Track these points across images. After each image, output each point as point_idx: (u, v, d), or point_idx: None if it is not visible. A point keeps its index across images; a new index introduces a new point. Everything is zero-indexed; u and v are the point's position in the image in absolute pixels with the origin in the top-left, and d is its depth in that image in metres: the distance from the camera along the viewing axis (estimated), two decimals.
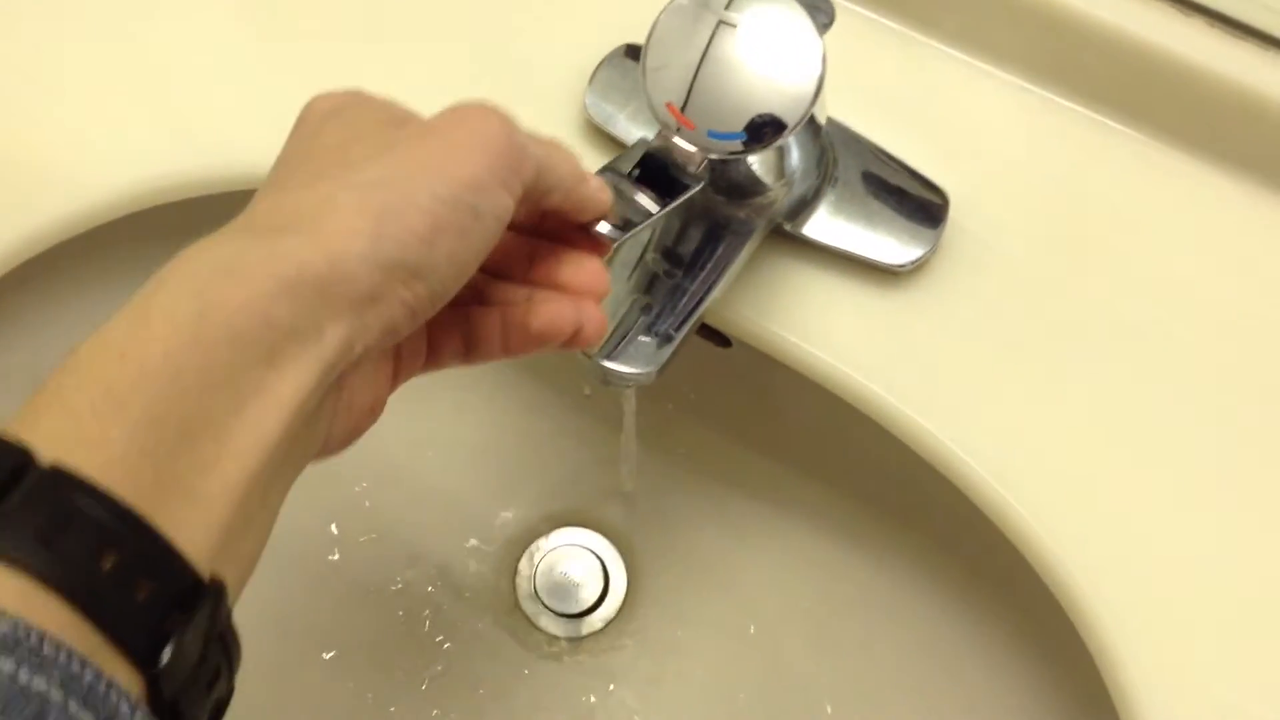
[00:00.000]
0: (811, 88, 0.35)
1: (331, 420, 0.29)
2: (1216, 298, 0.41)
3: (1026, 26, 0.43)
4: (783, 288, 0.42)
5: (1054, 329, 0.41)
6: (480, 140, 0.29)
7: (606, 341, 0.38)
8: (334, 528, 0.50)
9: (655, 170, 0.35)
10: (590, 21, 0.46)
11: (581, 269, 0.33)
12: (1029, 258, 0.42)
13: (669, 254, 0.40)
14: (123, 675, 0.23)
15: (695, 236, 0.40)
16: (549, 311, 0.32)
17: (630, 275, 0.40)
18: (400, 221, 0.27)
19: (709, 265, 0.39)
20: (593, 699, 0.48)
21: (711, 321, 0.42)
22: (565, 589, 0.50)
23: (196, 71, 0.46)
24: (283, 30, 0.47)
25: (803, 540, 0.49)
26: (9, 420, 0.24)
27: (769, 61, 0.35)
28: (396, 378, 0.32)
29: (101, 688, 0.22)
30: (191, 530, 0.24)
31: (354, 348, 0.27)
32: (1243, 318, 0.41)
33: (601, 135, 0.44)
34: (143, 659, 0.23)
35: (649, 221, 0.34)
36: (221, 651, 0.25)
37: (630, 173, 0.35)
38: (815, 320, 0.42)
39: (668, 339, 0.38)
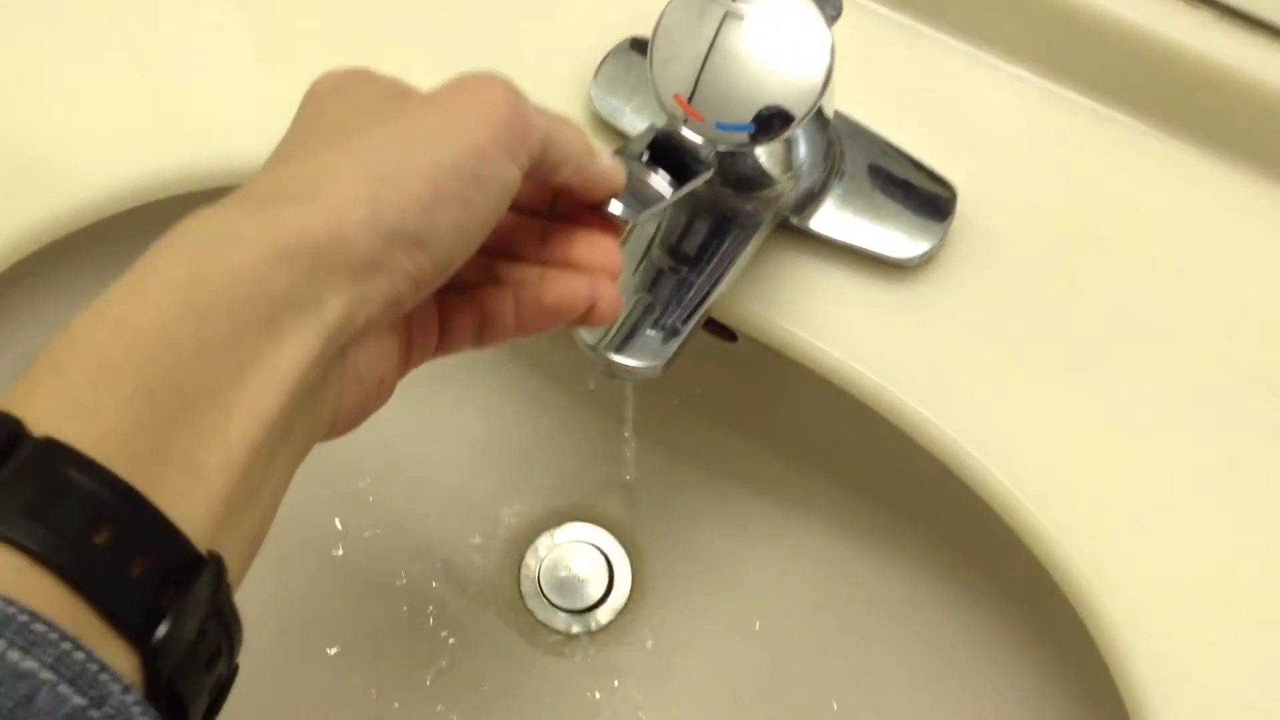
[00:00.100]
0: (820, 79, 0.35)
1: (338, 396, 0.29)
2: (1225, 292, 0.41)
3: (1034, 19, 0.43)
4: (789, 282, 0.42)
5: (1062, 323, 0.41)
6: (484, 109, 0.29)
7: (613, 335, 0.38)
8: (338, 522, 0.50)
9: (666, 154, 0.35)
10: (595, 14, 0.45)
11: (595, 247, 0.32)
12: (1037, 252, 0.42)
13: (674, 250, 0.40)
14: (118, 653, 0.22)
15: (702, 230, 0.39)
16: (563, 286, 0.32)
17: (635, 269, 0.40)
18: (401, 189, 0.27)
19: (715, 259, 0.39)
20: (598, 695, 0.48)
21: (717, 316, 0.42)
22: (570, 584, 0.50)
23: (195, 64, 0.46)
24: (283, 22, 0.46)
25: (809, 536, 0.49)
26: (2, 393, 0.24)
27: (777, 53, 0.35)
28: (409, 360, 0.32)
29: (94, 668, 0.21)
30: (190, 503, 0.23)
31: (356, 318, 0.27)
32: (1252, 312, 0.41)
33: (607, 128, 0.44)
34: (138, 636, 0.22)
35: (664, 203, 0.34)
36: (221, 629, 0.24)
37: (640, 156, 0.35)
38: (822, 314, 0.42)
39: (674, 332, 0.38)
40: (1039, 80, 0.44)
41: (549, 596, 0.49)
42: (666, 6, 0.36)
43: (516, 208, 0.33)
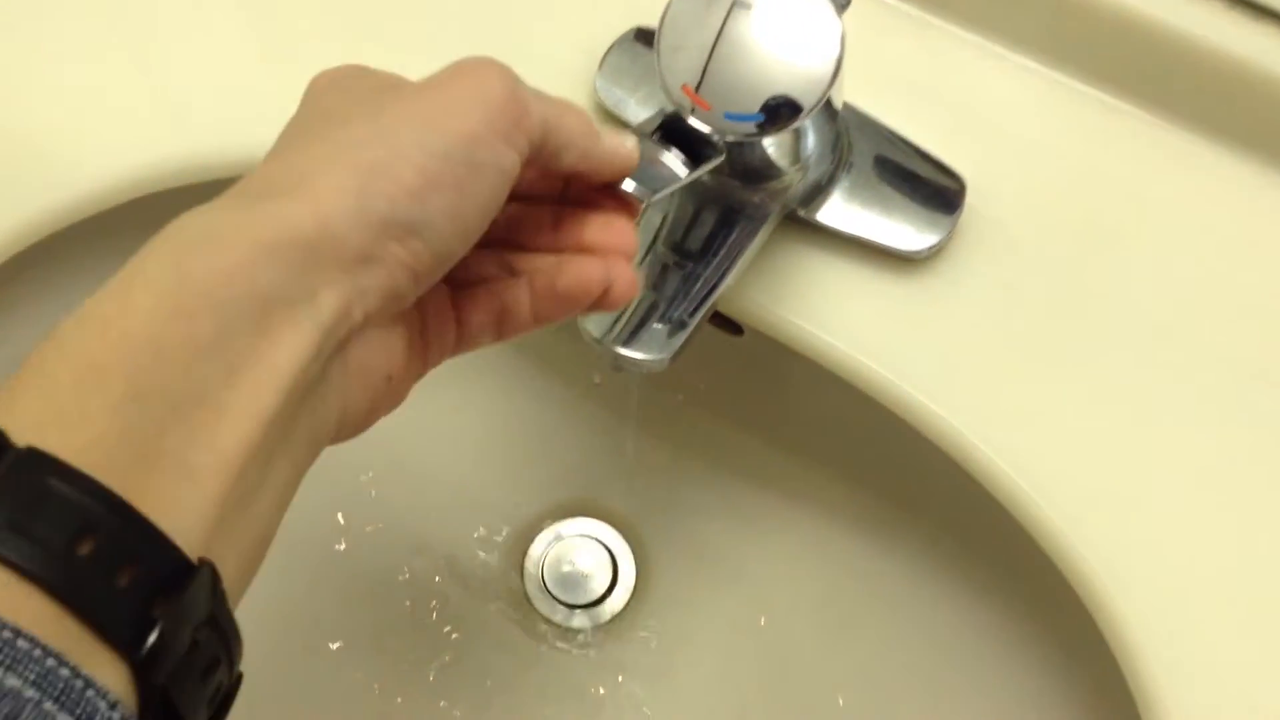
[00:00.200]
0: (830, 69, 0.34)
1: (343, 396, 0.28)
2: (1235, 284, 0.41)
3: (1043, 10, 0.42)
4: (796, 274, 0.42)
5: (1071, 316, 0.41)
6: (477, 93, 0.28)
7: (620, 328, 0.37)
8: (340, 517, 0.49)
9: (678, 136, 0.34)
10: (599, 4, 0.45)
11: (608, 228, 0.32)
12: (1046, 244, 0.42)
13: (680, 243, 0.39)
14: (107, 665, 0.22)
15: (709, 221, 0.39)
16: (576, 270, 0.31)
17: (640, 262, 0.39)
18: (389, 176, 0.26)
19: (722, 251, 0.39)
20: (601, 690, 0.48)
21: (723, 309, 0.42)
22: (574, 580, 0.49)
23: (195, 56, 0.45)
24: (283, 15, 0.46)
25: (814, 530, 0.48)
26: None
27: (786, 42, 0.34)
28: (427, 359, 0.31)
29: (79, 685, 0.21)
30: (182, 508, 0.23)
31: (353, 313, 0.26)
32: (1262, 304, 0.41)
33: (612, 120, 0.43)
34: (127, 647, 0.22)
35: (680, 183, 0.33)
36: (217, 637, 0.24)
37: (651, 138, 0.34)
38: (829, 307, 0.41)
39: (681, 325, 0.37)
40: (1047, 71, 0.44)
41: (553, 591, 0.49)
42: None
43: (527, 197, 0.33)
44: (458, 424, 0.50)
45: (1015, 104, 0.43)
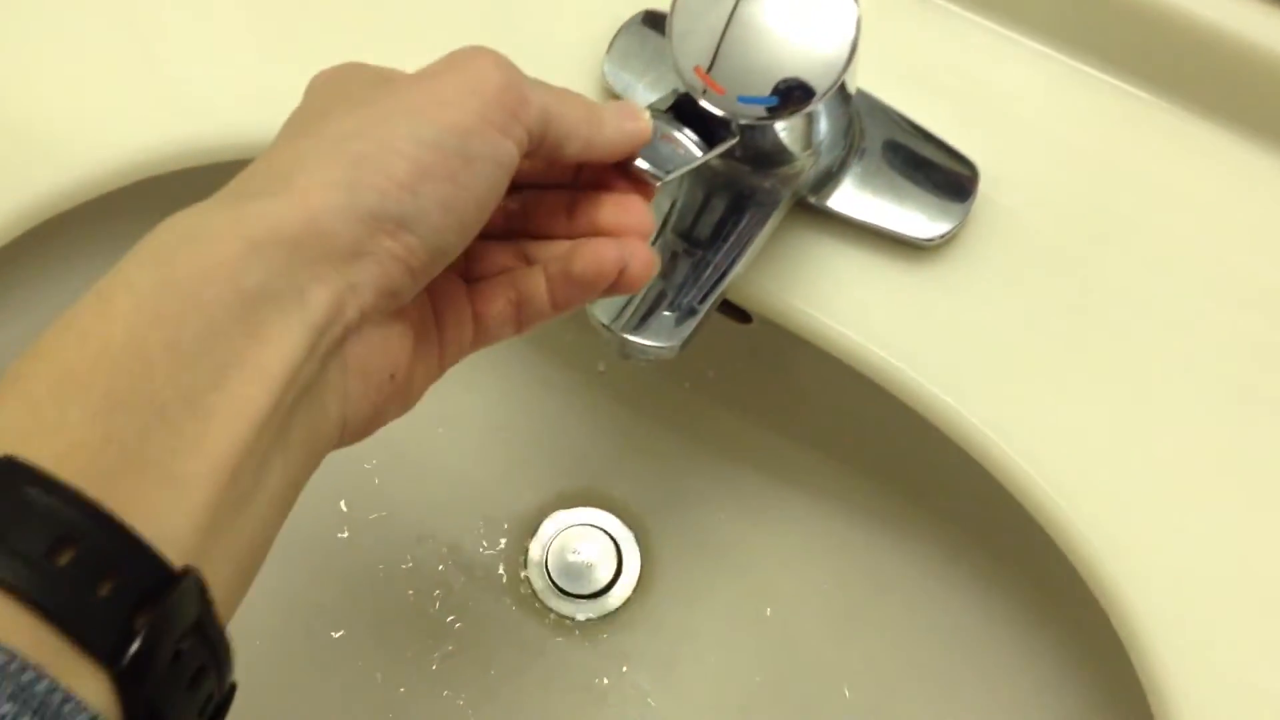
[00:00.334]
0: (844, 53, 0.34)
1: (343, 397, 0.27)
2: (1251, 275, 0.41)
3: None
4: (806, 262, 0.41)
5: (1084, 305, 0.40)
6: (470, 83, 0.27)
7: (629, 314, 0.37)
8: (343, 504, 0.49)
9: (690, 117, 0.34)
10: None
11: (623, 208, 0.31)
12: (1059, 232, 0.41)
13: (690, 229, 0.39)
14: (89, 678, 0.21)
15: (719, 207, 0.39)
16: (590, 253, 0.30)
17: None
18: (379, 169, 0.26)
19: (732, 237, 0.38)
20: (605, 680, 0.48)
21: (732, 296, 0.41)
22: (578, 569, 0.49)
23: (195, 40, 0.45)
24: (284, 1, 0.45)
25: (821, 521, 0.48)
26: None
27: (800, 24, 0.34)
28: (444, 357, 0.31)
29: (57, 699, 0.20)
30: (169, 515, 0.22)
31: (346, 310, 0.26)
32: (1277, 296, 0.40)
33: None
34: (109, 658, 0.21)
35: (695, 163, 0.33)
36: (204, 646, 0.23)
37: (664, 118, 0.34)
38: (839, 295, 0.41)
39: (691, 312, 0.37)
40: (1061, 57, 0.43)
41: (557, 581, 0.49)
42: None
43: (540, 185, 0.32)
44: (462, 412, 0.50)
45: (1029, 91, 0.43)
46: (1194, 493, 0.38)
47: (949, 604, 0.46)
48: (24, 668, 0.20)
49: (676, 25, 0.35)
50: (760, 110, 0.34)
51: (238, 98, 0.43)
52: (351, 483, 0.49)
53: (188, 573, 0.22)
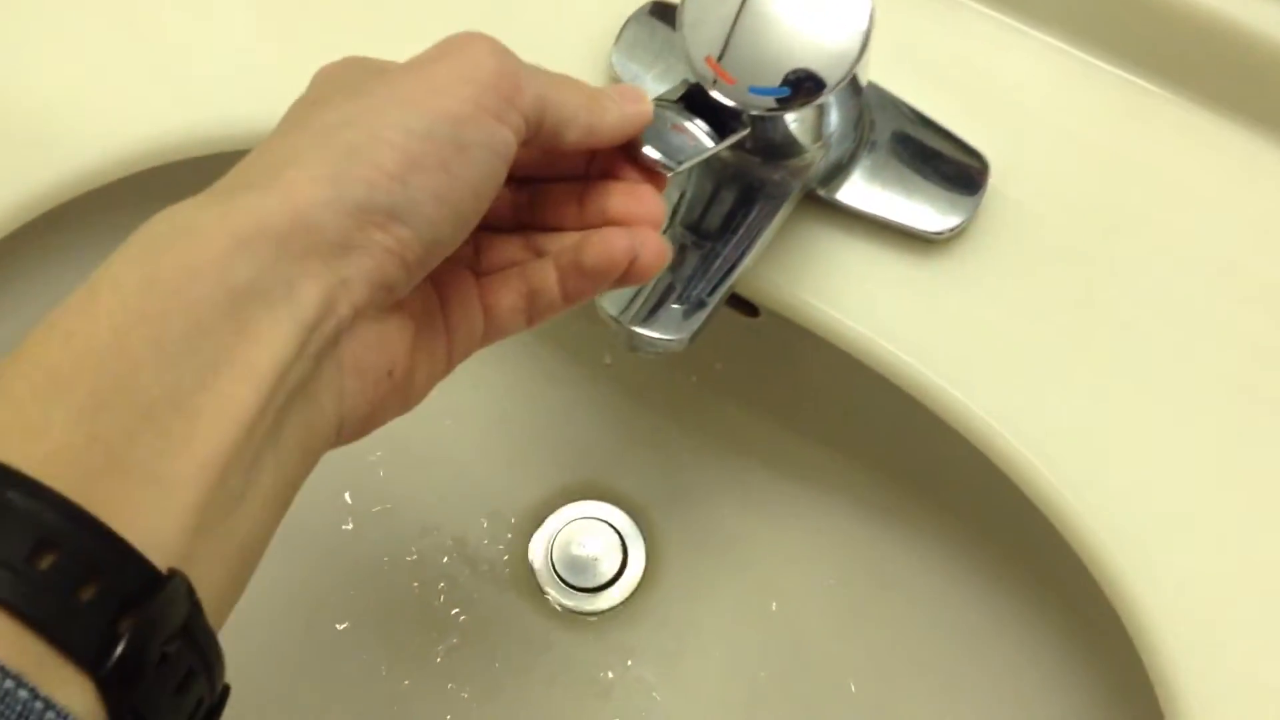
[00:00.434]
0: (857, 44, 0.34)
1: (339, 396, 0.27)
2: (1262, 270, 0.40)
3: None
4: (814, 255, 0.41)
5: (1094, 300, 0.40)
6: (464, 70, 0.27)
7: (638, 306, 0.37)
8: (347, 496, 0.49)
9: (701, 108, 0.34)
10: None
11: (633, 196, 0.31)
12: (1070, 227, 0.41)
13: (698, 222, 0.39)
14: (71, 685, 0.21)
15: (728, 199, 0.38)
16: (600, 244, 0.30)
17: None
18: (367, 160, 0.25)
19: (741, 230, 0.38)
20: (610, 674, 0.48)
21: (739, 289, 0.41)
22: (583, 563, 0.49)
23: (196, 29, 0.45)
24: None
25: (827, 516, 0.48)
26: None
27: (813, 15, 0.34)
28: (453, 352, 0.30)
29: (39, 707, 0.20)
30: (155, 517, 0.22)
31: (338, 307, 0.25)
32: None
33: None
34: (91, 664, 0.21)
35: (706, 154, 0.33)
36: (191, 650, 0.23)
37: (675, 107, 0.34)
38: (848, 289, 0.41)
39: (700, 305, 0.37)
40: (1072, 50, 0.43)
41: (562, 574, 0.49)
42: None
43: (550, 176, 0.32)
44: (467, 404, 0.50)
45: (1040, 84, 0.43)
46: (1202, 487, 0.38)
47: (954, 599, 0.45)
48: (5, 675, 0.20)
49: (688, 15, 0.35)
50: (771, 101, 0.34)
51: (240, 87, 0.43)
52: (356, 475, 0.49)
53: (173, 575, 0.22)
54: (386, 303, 0.27)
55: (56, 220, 0.43)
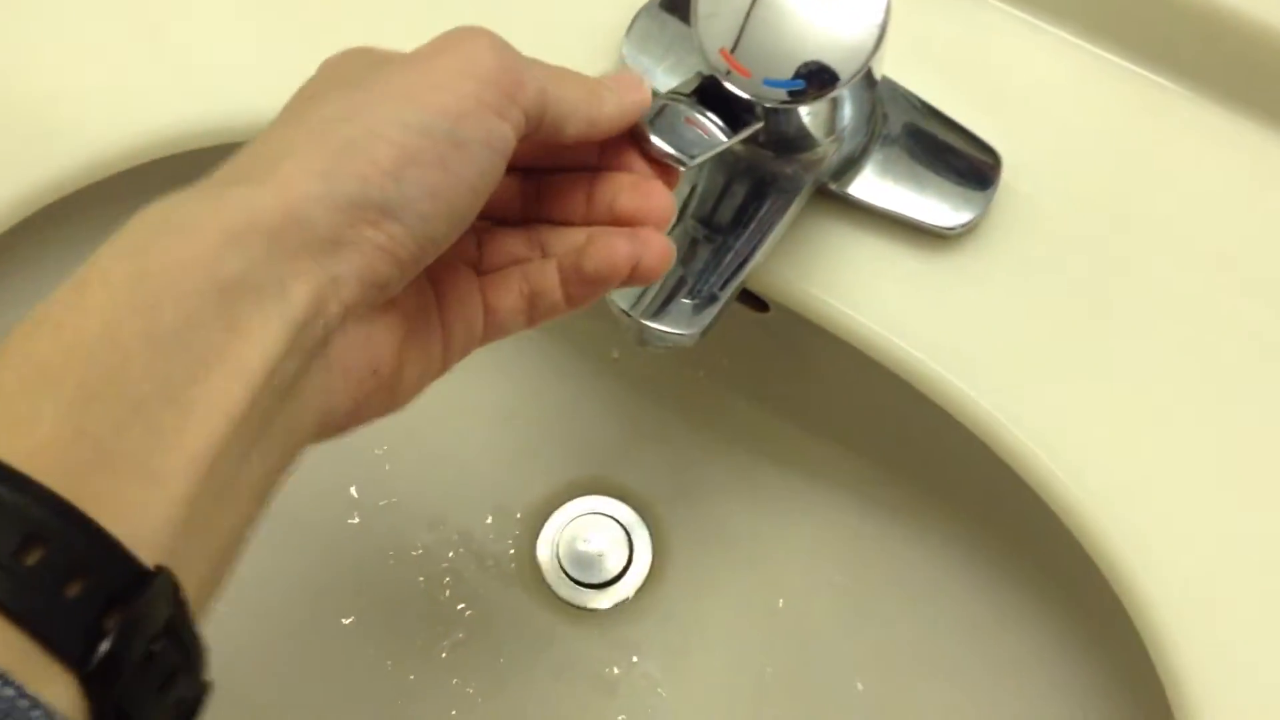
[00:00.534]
0: (872, 37, 0.33)
1: (325, 393, 0.26)
2: (1273, 264, 0.40)
3: None
4: (825, 250, 0.41)
5: (1106, 296, 0.40)
6: (464, 64, 0.26)
7: (649, 300, 0.36)
8: (354, 490, 0.49)
9: (715, 101, 0.33)
10: None
11: (642, 192, 0.30)
12: (1082, 222, 0.41)
13: (710, 215, 0.38)
14: (56, 682, 0.21)
15: (740, 193, 0.38)
16: (602, 250, 0.29)
17: (668, 235, 0.39)
18: (361, 155, 0.25)
19: (753, 224, 0.38)
20: (616, 670, 0.47)
21: (750, 284, 0.41)
22: (589, 558, 0.49)
23: (198, 20, 0.44)
24: None
25: (834, 513, 0.48)
26: None
27: (828, 7, 0.34)
28: (449, 350, 0.30)
29: (24, 705, 0.19)
30: (143, 513, 0.22)
31: (328, 305, 0.25)
32: None
33: None
34: (77, 661, 0.21)
35: (719, 148, 0.32)
36: (176, 647, 0.22)
37: (688, 100, 0.33)
38: (858, 284, 0.40)
39: (711, 299, 0.37)
40: (1086, 45, 0.43)
41: (567, 570, 0.49)
42: None
43: (558, 169, 0.32)
44: (473, 398, 0.50)
45: (1052, 79, 0.43)
46: (1211, 481, 0.38)
47: (961, 596, 0.45)
48: None
49: (702, 7, 0.34)
50: (784, 94, 0.34)
51: (242, 79, 0.43)
52: (362, 469, 0.49)
53: (160, 572, 0.22)
54: (379, 300, 0.27)
55: (57, 214, 0.42)
